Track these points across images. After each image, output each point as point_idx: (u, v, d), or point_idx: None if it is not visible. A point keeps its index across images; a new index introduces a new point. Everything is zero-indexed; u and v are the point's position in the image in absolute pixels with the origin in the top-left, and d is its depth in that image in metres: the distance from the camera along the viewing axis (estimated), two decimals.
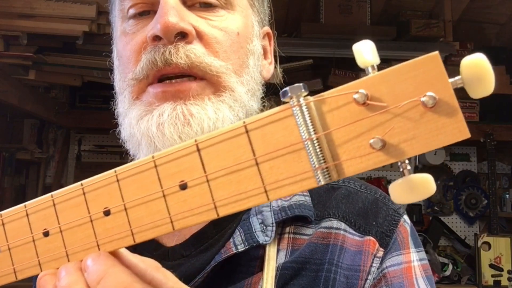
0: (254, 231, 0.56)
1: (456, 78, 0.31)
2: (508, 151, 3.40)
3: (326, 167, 0.33)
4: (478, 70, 0.30)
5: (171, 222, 0.37)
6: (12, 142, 3.11)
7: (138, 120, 0.56)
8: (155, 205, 0.37)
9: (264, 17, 0.68)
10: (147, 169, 0.37)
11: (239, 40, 0.59)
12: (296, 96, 0.33)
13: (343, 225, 0.59)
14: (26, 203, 0.43)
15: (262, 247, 0.56)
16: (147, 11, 0.58)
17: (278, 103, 0.71)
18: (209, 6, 0.58)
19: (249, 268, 0.55)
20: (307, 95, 0.34)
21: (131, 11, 0.59)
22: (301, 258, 0.56)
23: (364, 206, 0.61)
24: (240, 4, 0.61)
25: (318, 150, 0.33)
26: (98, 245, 0.39)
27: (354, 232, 0.58)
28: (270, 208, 0.58)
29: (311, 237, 0.58)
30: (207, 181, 0.35)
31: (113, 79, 0.63)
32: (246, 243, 0.55)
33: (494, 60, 3.21)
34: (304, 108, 0.33)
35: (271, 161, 0.34)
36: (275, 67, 0.71)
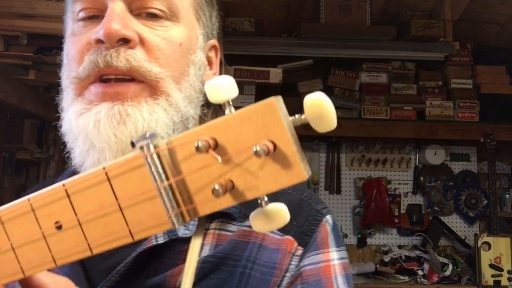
0: None
1: (302, 116, 0.33)
2: (508, 151, 3.40)
3: (180, 212, 0.35)
4: (318, 109, 0.33)
5: (54, 260, 0.39)
6: (12, 142, 3.11)
7: (77, 116, 0.60)
8: (39, 245, 0.40)
9: (212, 31, 0.72)
10: (26, 212, 0.40)
11: (181, 50, 0.63)
12: (145, 146, 0.35)
13: None
14: None
15: (188, 241, 0.59)
16: (96, 16, 0.62)
17: (216, 111, 0.73)
18: (155, 17, 0.62)
19: (174, 260, 0.59)
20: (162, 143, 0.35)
21: (81, 14, 0.63)
22: (221, 254, 0.59)
23: (288, 206, 0.63)
24: (185, 17, 0.65)
25: (170, 196, 0.35)
26: None
27: (275, 231, 0.61)
28: None
29: (234, 234, 0.61)
30: (79, 223, 0.38)
31: (60, 76, 0.67)
32: (166, 235, 0.58)
33: (494, 60, 3.22)
34: (154, 157, 0.35)
35: (133, 207, 0.36)
36: None
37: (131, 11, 0.61)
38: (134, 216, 0.36)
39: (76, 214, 0.38)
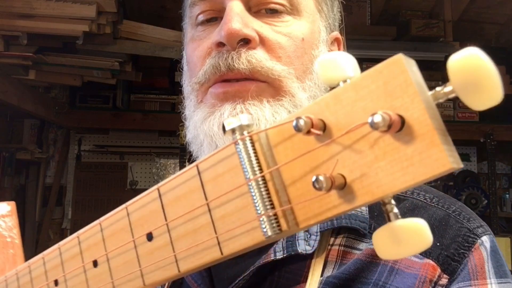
0: (296, 238, 0.53)
1: (446, 86, 0.24)
2: (508, 151, 3.40)
3: (274, 214, 0.27)
4: (473, 74, 0.23)
5: (142, 276, 0.34)
6: (12, 142, 3.11)
7: (202, 121, 0.57)
8: (129, 256, 0.35)
9: (334, 22, 0.67)
10: (122, 217, 0.35)
11: (303, 45, 0.59)
12: (238, 129, 0.28)
13: None
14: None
15: (311, 257, 0.53)
16: (214, 18, 0.60)
17: None
18: (274, 12, 0.59)
19: (295, 276, 0.53)
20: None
21: (200, 18, 0.61)
22: (345, 275, 0.52)
23: (428, 223, 0.53)
24: (307, 10, 0.61)
25: (263, 192, 0.27)
26: None
27: None
28: None
29: (361, 253, 0.53)
30: (168, 230, 0.32)
31: (182, 83, 0.65)
32: (285, 250, 0.52)
33: (494, 60, 3.22)
34: (248, 143, 0.28)
35: (222, 207, 0.29)
36: None
37: (250, 9, 0.58)
38: (223, 220, 0.29)
39: (165, 219, 0.32)
